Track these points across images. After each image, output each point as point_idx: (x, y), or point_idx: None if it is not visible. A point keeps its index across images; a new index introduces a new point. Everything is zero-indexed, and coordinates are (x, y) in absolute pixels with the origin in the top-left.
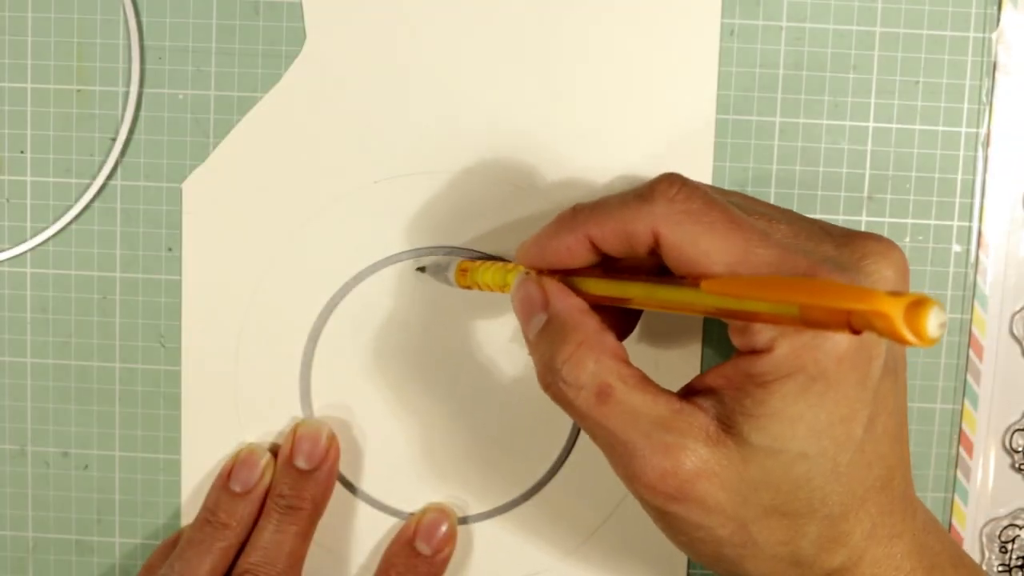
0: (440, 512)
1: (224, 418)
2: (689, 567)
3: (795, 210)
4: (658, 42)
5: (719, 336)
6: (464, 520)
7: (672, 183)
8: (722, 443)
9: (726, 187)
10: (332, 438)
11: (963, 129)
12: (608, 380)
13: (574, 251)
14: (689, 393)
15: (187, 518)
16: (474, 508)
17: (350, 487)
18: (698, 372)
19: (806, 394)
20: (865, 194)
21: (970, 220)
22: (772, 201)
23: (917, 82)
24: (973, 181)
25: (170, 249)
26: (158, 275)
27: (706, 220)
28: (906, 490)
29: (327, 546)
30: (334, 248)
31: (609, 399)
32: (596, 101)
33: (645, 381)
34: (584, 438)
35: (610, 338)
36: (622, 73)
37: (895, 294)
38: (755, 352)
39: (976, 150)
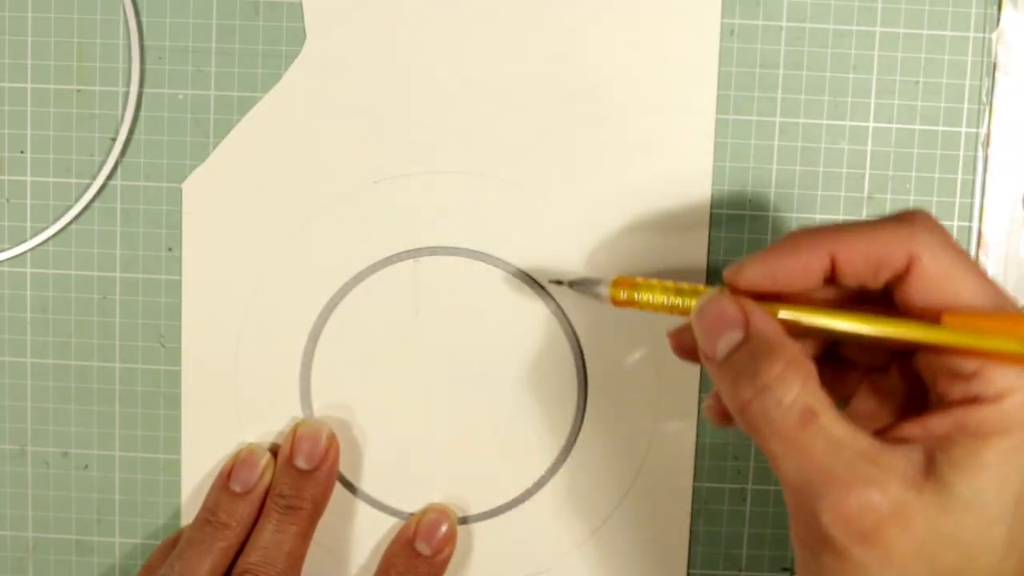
0: (440, 512)
1: (224, 418)
2: (689, 567)
3: (795, 210)
4: (658, 42)
5: None
6: (464, 520)
7: (929, 216)
8: (924, 489)
9: (726, 187)
10: (332, 438)
11: (963, 129)
12: (814, 404)
13: (811, 270)
14: (884, 439)
15: (187, 518)
16: (474, 508)
17: (350, 487)
18: (697, 380)
19: (1021, 452)
20: (865, 194)
21: (970, 220)
22: (772, 201)
23: (917, 82)
24: (973, 181)
25: (170, 249)
26: (158, 275)
27: (962, 256)
28: None
29: (327, 546)
30: (334, 248)
31: (812, 423)
32: (596, 101)
33: (844, 414)
34: (584, 439)
35: (812, 365)
36: (622, 73)
37: None
38: (977, 401)
39: (976, 150)
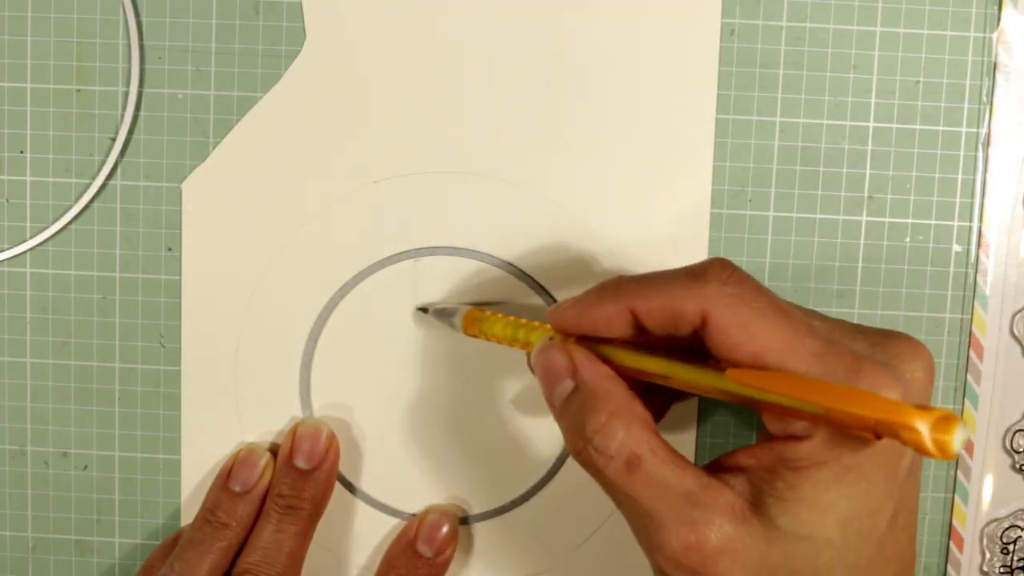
0: (441, 513)
1: (224, 418)
2: None
3: (795, 209)
4: (658, 42)
5: None
6: (465, 520)
7: (724, 267)
8: (748, 522)
9: (726, 187)
10: (332, 438)
11: (963, 129)
12: (637, 451)
13: (613, 321)
14: (716, 469)
15: (187, 518)
16: (474, 508)
17: (350, 487)
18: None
19: (839, 483)
20: (865, 194)
21: (970, 220)
22: (772, 201)
23: (917, 82)
24: (973, 181)
25: (170, 249)
26: (158, 275)
27: (756, 306)
28: None
29: (327, 546)
30: (334, 248)
31: (638, 470)
32: (596, 101)
33: (674, 454)
34: None
35: (639, 407)
36: (622, 73)
37: (922, 408)
38: (791, 438)
39: (976, 150)
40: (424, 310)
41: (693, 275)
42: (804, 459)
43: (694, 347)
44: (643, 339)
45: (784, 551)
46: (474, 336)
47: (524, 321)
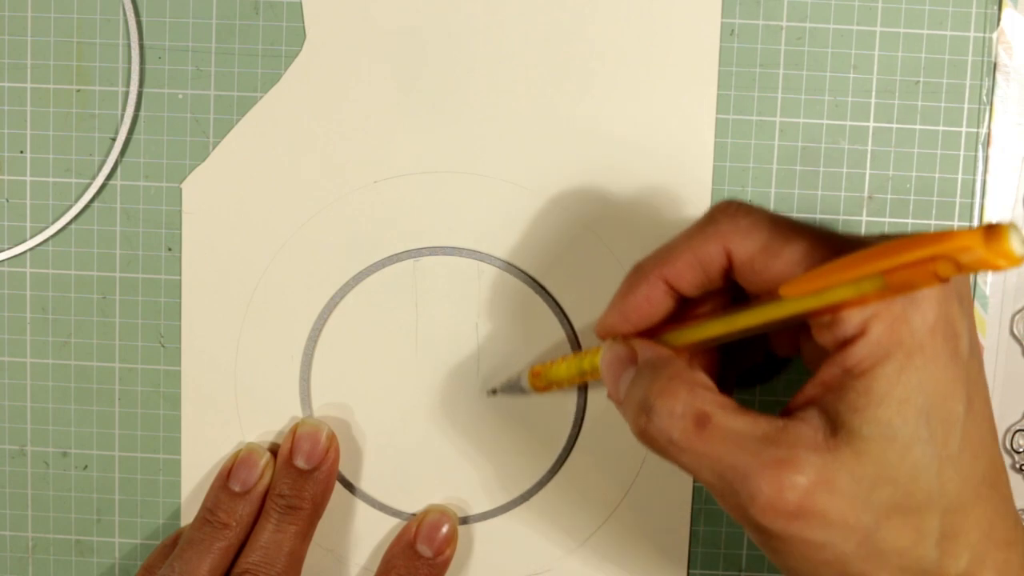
0: (441, 513)
1: (224, 418)
2: (689, 568)
3: (795, 209)
4: (658, 42)
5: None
6: (465, 520)
7: (730, 204)
8: (834, 448)
9: (726, 187)
10: (332, 438)
11: (963, 129)
12: (704, 408)
13: (653, 299)
14: (788, 412)
15: (187, 518)
16: (475, 508)
17: (350, 487)
18: None
19: (908, 370)
20: (865, 194)
21: (970, 220)
22: (772, 201)
23: (917, 82)
24: (973, 181)
25: (170, 249)
26: (158, 275)
27: (772, 227)
28: (1010, 495)
29: (327, 546)
30: (334, 248)
31: (708, 425)
32: (596, 101)
33: (742, 407)
34: (584, 439)
35: (700, 374)
36: (622, 73)
37: (968, 228)
38: (848, 343)
39: (976, 150)
40: (494, 392)
41: (705, 222)
42: (867, 358)
43: (737, 300)
44: (690, 316)
45: (876, 461)
46: (546, 389)
47: (585, 351)
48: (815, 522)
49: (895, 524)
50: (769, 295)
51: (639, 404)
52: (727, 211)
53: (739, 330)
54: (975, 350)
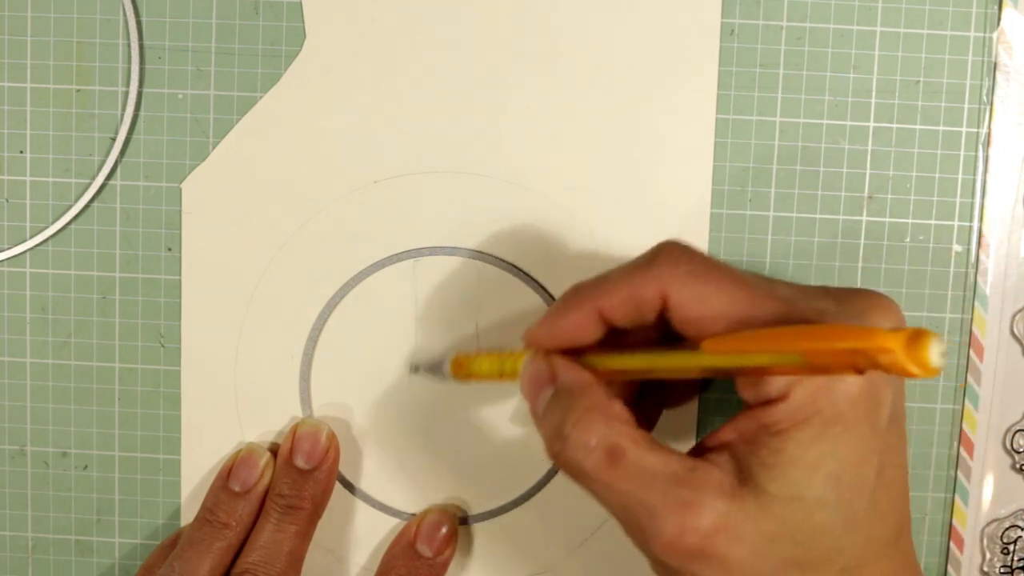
0: (441, 514)
1: (224, 418)
2: None
3: (795, 209)
4: (658, 42)
5: None
6: (464, 521)
7: (674, 247)
8: (740, 497)
9: (726, 187)
10: (332, 437)
11: (963, 129)
12: (618, 441)
13: (583, 326)
14: (700, 451)
15: (187, 518)
16: (475, 508)
17: (350, 487)
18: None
19: (823, 438)
20: (865, 194)
21: (970, 220)
22: (772, 201)
23: (918, 82)
24: (973, 181)
25: (170, 249)
26: (158, 275)
27: (711, 278)
28: (911, 552)
29: (327, 546)
30: (334, 248)
31: (621, 460)
32: (596, 101)
33: (655, 442)
34: None
35: (618, 405)
36: (622, 73)
37: (895, 330)
38: (769, 402)
39: (976, 150)
40: (416, 370)
41: (646, 262)
42: (784, 420)
43: (667, 337)
44: (618, 342)
45: (779, 517)
46: (466, 380)
47: (508, 352)
48: (714, 564)
49: None
50: (691, 345)
51: (554, 429)
52: (670, 255)
53: (660, 370)
54: (897, 416)
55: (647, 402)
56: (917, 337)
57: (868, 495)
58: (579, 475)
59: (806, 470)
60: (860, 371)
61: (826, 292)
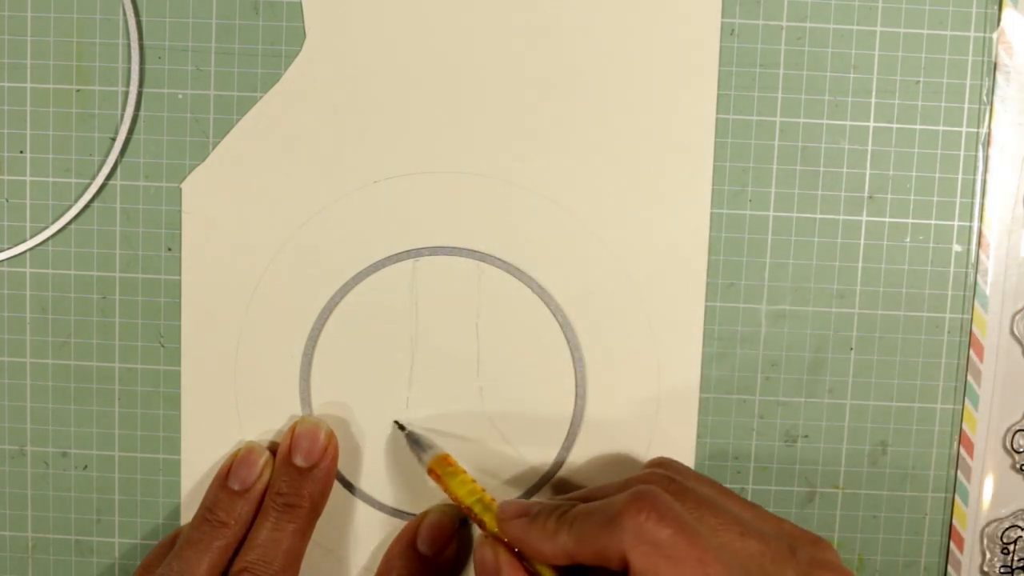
0: (441, 513)
1: (224, 418)
2: None
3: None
4: (658, 42)
5: (720, 333)
6: (464, 521)
7: (641, 508)
8: None
9: (726, 187)
10: (331, 436)
11: (963, 129)
12: None
13: (550, 558)
14: None
15: (186, 518)
16: None
17: (350, 487)
18: (697, 380)
19: None
20: (865, 194)
21: (970, 220)
22: (772, 201)
23: (918, 82)
24: (973, 181)
25: (170, 249)
26: (158, 275)
27: (673, 554)
28: None
29: (327, 546)
30: (334, 248)
31: None
32: (597, 101)
33: None
34: (583, 439)
35: None
36: (622, 72)
37: None
38: None
39: (976, 150)
40: (402, 428)
41: (612, 522)
42: None
43: None
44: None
45: None
46: (435, 481)
47: (488, 498)
48: None
49: None
50: None
51: None
52: (636, 518)
53: None
54: None
55: None
56: None
57: None
58: None
59: None
60: None
61: (792, 554)
